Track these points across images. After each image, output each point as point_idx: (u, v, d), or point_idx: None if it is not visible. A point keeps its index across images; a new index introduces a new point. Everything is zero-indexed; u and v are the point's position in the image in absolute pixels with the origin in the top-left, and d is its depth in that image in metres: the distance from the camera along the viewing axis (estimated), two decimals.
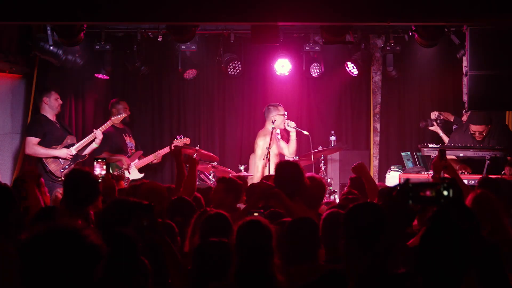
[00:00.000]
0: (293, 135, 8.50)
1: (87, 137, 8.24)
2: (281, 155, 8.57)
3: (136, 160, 8.72)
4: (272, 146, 8.20)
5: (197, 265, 3.43)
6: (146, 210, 3.32)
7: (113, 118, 8.45)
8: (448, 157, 7.83)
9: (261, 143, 8.48)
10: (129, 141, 8.87)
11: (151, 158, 8.74)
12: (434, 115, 8.69)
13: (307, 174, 5.34)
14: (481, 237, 2.63)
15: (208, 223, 3.82)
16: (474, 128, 7.87)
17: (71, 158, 8.09)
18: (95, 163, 4.98)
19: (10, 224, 3.69)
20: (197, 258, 3.44)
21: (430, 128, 8.67)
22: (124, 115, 8.64)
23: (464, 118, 8.41)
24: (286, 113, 8.49)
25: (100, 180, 4.81)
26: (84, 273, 2.15)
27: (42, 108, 8.22)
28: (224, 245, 3.39)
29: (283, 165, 5.18)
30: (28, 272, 2.13)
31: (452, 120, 8.77)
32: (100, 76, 8.96)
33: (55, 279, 2.12)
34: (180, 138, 8.88)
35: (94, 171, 4.86)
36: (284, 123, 8.45)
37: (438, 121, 8.59)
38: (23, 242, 2.15)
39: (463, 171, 7.63)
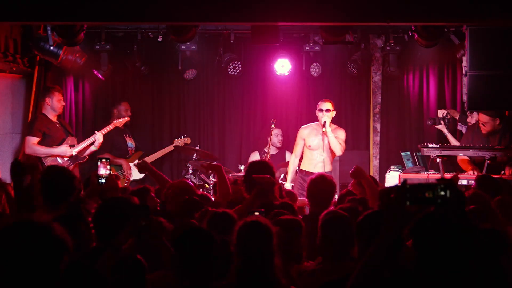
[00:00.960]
0: (328, 134, 7.87)
1: (88, 140, 8.21)
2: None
3: (136, 161, 8.71)
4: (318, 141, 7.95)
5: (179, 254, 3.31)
6: (144, 211, 3.33)
7: (115, 121, 8.45)
8: (462, 158, 7.86)
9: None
10: (130, 142, 8.88)
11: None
12: (441, 113, 8.61)
13: (317, 174, 5.34)
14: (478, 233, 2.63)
15: (214, 222, 3.82)
16: (480, 117, 7.84)
17: (70, 156, 8.07)
18: (98, 162, 4.96)
19: None
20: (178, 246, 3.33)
21: (437, 126, 8.62)
22: (126, 118, 8.64)
23: (469, 119, 8.36)
24: (322, 108, 7.86)
25: (104, 181, 4.81)
26: (49, 265, 2.18)
27: (43, 108, 8.20)
28: (206, 234, 3.32)
29: (253, 164, 5.32)
30: None
31: (457, 117, 8.72)
32: (100, 76, 8.95)
33: (21, 271, 2.16)
34: (181, 138, 8.88)
35: (98, 171, 4.84)
36: (323, 121, 7.87)
37: (446, 120, 8.53)
38: None
39: (475, 172, 7.61)
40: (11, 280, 2.16)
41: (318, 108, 7.93)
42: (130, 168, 8.62)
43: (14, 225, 2.25)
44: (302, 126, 8.17)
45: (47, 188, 4.41)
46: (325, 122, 7.74)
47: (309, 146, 7.94)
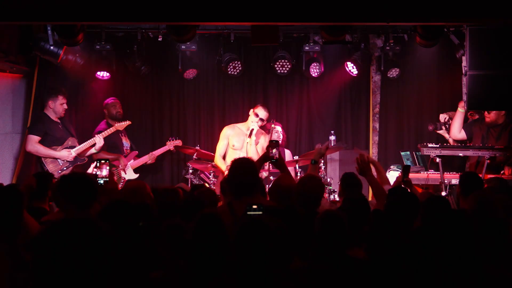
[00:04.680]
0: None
1: (88, 142, 8.22)
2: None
3: (132, 160, 8.72)
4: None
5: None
6: (143, 211, 3.32)
7: (117, 125, 8.47)
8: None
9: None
10: (125, 141, 8.86)
11: (145, 159, 8.73)
12: (443, 118, 8.58)
13: (306, 174, 5.33)
14: None
15: (200, 222, 3.80)
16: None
17: (71, 160, 8.10)
18: (97, 164, 4.92)
19: (8, 226, 3.70)
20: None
21: (438, 131, 8.60)
22: (128, 122, 8.62)
23: (469, 121, 8.34)
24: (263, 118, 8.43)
25: (102, 182, 4.78)
26: (100, 259, 2.19)
27: (46, 109, 8.24)
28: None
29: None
30: (45, 263, 2.16)
31: None
32: (100, 77, 8.95)
33: (73, 267, 2.16)
34: (172, 140, 8.86)
35: (98, 173, 4.80)
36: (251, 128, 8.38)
37: (447, 125, 8.51)
38: (37, 235, 2.20)
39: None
40: (70, 276, 2.16)
41: (259, 117, 8.32)
42: (127, 165, 8.59)
43: (63, 222, 2.24)
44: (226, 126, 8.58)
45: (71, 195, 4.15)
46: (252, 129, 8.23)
47: (233, 146, 8.30)
